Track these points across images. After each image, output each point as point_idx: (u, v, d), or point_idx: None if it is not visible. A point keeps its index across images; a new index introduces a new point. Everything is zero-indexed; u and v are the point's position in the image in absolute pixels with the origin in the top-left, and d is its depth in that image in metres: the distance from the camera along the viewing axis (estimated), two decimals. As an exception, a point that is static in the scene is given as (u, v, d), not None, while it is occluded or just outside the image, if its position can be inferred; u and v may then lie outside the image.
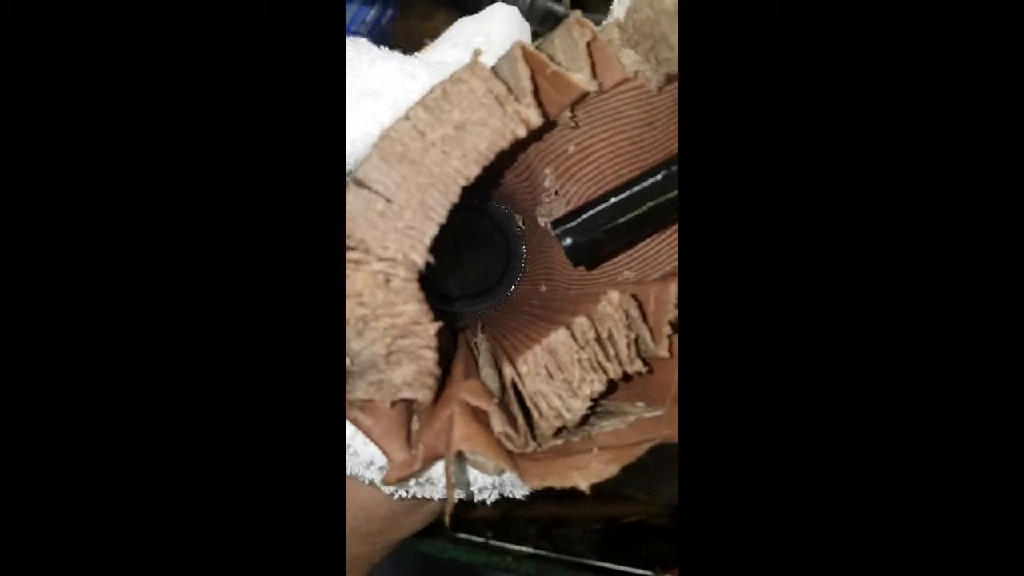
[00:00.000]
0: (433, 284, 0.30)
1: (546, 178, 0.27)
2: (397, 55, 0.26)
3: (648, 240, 0.27)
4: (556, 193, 0.27)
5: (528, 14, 0.42)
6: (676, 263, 0.27)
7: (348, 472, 0.25)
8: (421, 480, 0.25)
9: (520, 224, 0.30)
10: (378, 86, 0.24)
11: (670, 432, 0.24)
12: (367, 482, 0.25)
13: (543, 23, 0.42)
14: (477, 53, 0.21)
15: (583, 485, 0.22)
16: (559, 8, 0.43)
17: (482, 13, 0.28)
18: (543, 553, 0.62)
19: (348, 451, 0.24)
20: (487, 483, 0.26)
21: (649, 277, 0.27)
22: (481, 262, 0.30)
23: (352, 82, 0.24)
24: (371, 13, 0.42)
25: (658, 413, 0.25)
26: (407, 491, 0.27)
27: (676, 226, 0.27)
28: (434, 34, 0.24)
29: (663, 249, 0.27)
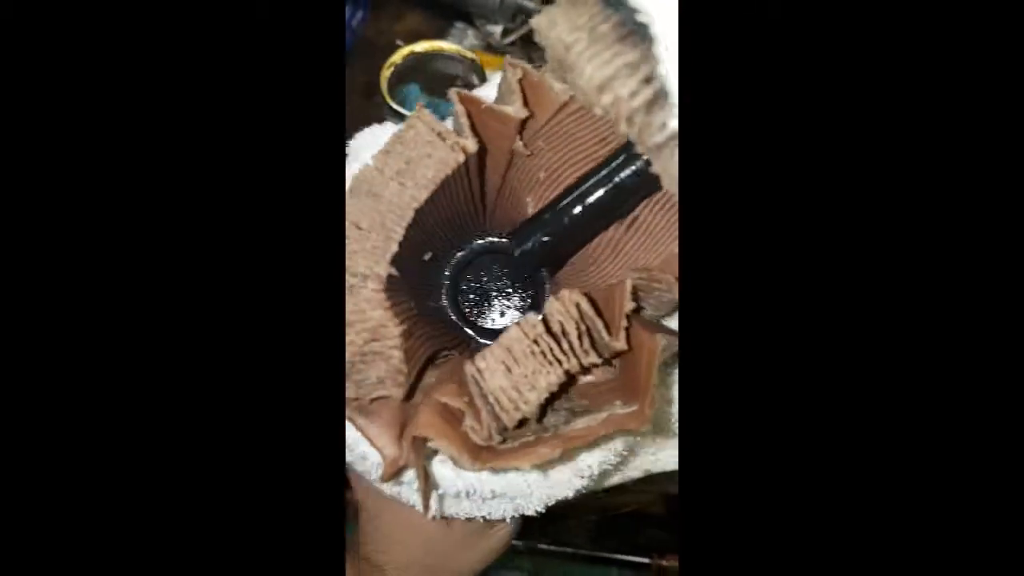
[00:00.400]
0: (470, 319, 0.34)
1: (528, 205, 0.30)
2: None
3: (631, 244, 0.28)
4: (534, 219, 0.30)
5: (499, 11, 0.45)
6: (652, 261, 0.28)
7: (362, 474, 0.29)
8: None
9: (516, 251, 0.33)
10: None
11: (636, 425, 0.24)
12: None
13: (514, 19, 0.44)
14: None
15: (525, 465, 0.23)
16: (529, 4, 0.45)
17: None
18: (541, 547, 0.57)
19: (356, 454, 0.28)
20: (493, 488, 0.28)
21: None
22: (511, 295, 0.33)
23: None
24: (343, 15, 0.45)
25: (633, 409, 0.25)
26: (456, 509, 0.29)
27: (649, 231, 0.28)
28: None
29: (642, 251, 0.28)
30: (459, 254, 0.33)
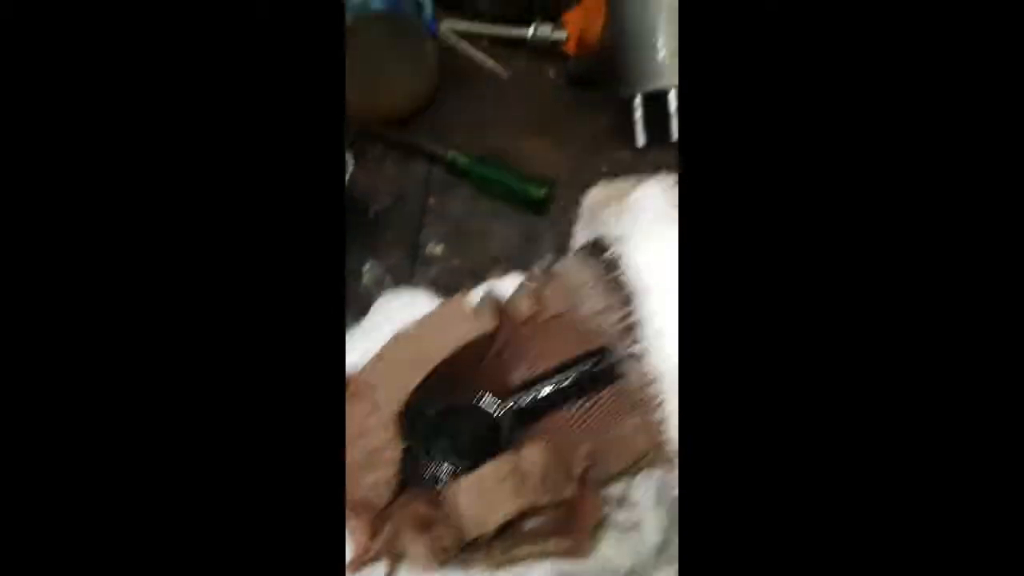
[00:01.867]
0: (438, 465, 0.41)
1: (515, 379, 0.39)
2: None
3: (592, 418, 0.37)
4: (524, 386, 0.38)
5: None
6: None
7: None
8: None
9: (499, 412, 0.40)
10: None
11: (572, 556, 0.31)
12: None
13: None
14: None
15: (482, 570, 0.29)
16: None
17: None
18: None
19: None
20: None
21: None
22: (476, 444, 0.41)
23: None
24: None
25: (568, 544, 0.32)
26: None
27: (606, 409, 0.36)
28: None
29: (598, 424, 0.36)
30: (444, 408, 0.41)
